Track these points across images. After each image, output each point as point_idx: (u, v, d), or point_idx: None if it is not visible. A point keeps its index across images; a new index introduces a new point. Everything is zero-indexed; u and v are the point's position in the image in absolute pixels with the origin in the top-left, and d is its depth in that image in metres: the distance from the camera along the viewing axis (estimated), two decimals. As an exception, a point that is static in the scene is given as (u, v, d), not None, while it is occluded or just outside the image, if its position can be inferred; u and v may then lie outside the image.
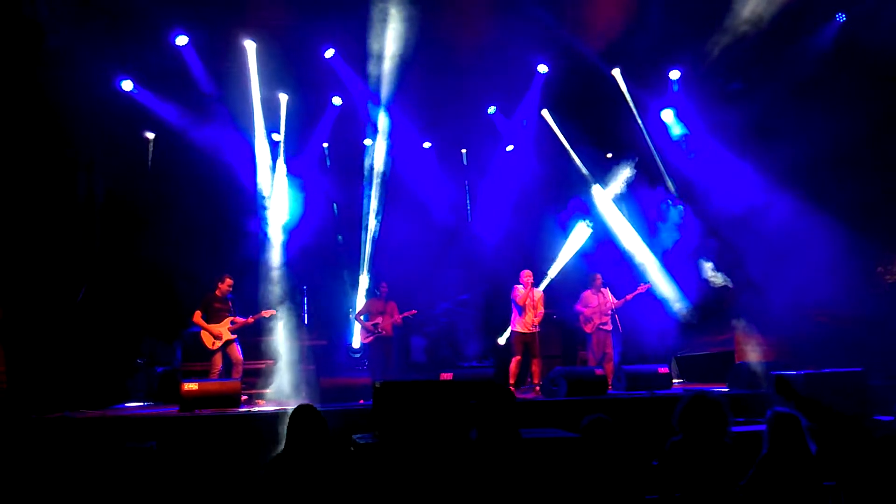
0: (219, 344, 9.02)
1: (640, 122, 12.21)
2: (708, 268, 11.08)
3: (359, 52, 10.68)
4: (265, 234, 11.71)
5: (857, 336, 8.97)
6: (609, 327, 10.13)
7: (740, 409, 7.22)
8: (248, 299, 10.30)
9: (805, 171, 10.21)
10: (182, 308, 10.19)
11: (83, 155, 9.83)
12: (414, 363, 11.70)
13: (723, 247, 11.15)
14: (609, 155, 13.05)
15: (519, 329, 9.51)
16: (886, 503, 3.40)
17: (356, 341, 11.52)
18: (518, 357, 9.47)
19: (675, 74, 11.71)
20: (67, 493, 5.37)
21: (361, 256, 12.52)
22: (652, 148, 12.25)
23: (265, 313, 9.56)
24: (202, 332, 9.03)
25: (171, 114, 10.88)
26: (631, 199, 12.59)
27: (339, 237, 12.98)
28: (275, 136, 11.93)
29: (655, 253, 11.92)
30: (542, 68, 11.66)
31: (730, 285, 10.84)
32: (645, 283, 10.69)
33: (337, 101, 12.01)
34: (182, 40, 10.09)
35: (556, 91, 11.96)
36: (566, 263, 12.15)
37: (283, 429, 4.15)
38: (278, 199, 11.86)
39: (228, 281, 9.26)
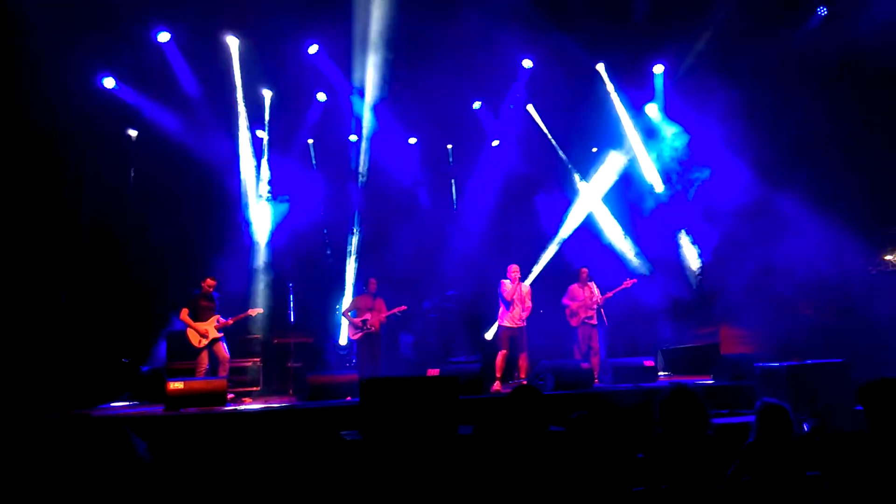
0: (205, 342, 8.97)
1: (624, 116, 12.30)
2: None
3: (343, 48, 10.66)
4: (251, 232, 11.69)
5: (840, 328, 9.07)
6: (595, 321, 10.17)
7: (725, 401, 7.28)
8: (235, 298, 10.27)
9: (790, 163, 10.30)
10: (167, 307, 10.14)
11: (67, 154, 9.74)
12: (401, 359, 11.69)
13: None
14: (594, 149, 13.11)
15: (506, 324, 9.53)
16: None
17: (343, 338, 11.51)
18: (504, 351, 9.48)
19: (658, 69, 11.78)
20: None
21: (348, 253, 12.50)
22: (638, 141, 12.36)
23: (252, 312, 9.53)
24: (188, 330, 8.98)
25: (154, 111, 10.80)
26: (616, 192, 12.72)
27: (325, 230, 12.92)
28: (259, 133, 11.89)
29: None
30: (527, 63, 11.69)
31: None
32: (631, 277, 10.74)
33: (321, 97, 11.97)
34: (164, 37, 10.01)
35: (541, 86, 11.98)
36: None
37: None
38: (263, 196, 11.84)
39: (210, 281, 9.22)
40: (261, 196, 11.71)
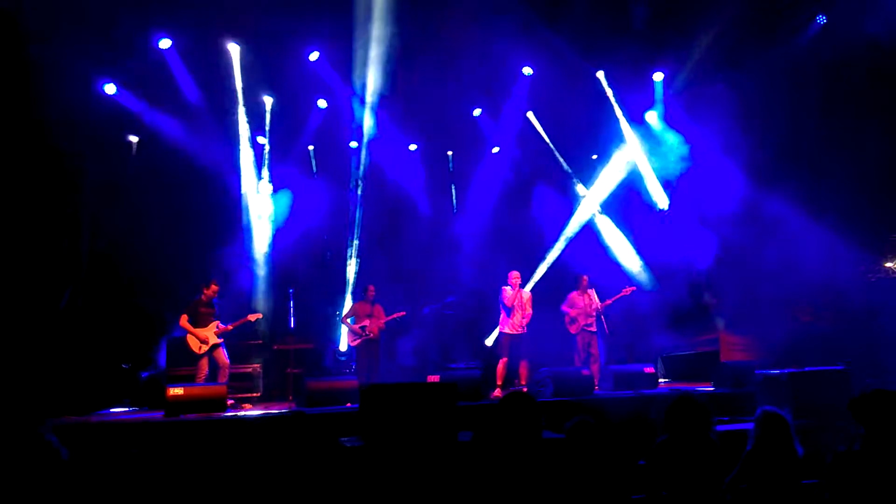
0: (205, 348, 8.96)
1: (624, 123, 12.34)
2: None
3: (344, 55, 10.68)
4: (251, 238, 11.69)
5: (841, 334, 9.06)
6: (594, 328, 10.14)
7: (725, 407, 7.27)
8: (235, 303, 10.26)
9: (788, 169, 10.31)
10: (167, 313, 10.13)
11: (68, 159, 9.76)
12: (401, 366, 11.67)
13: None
14: (594, 156, 13.12)
15: (507, 330, 9.52)
16: None
17: (343, 344, 11.49)
18: (505, 358, 9.47)
19: (658, 76, 11.81)
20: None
21: (348, 257, 12.50)
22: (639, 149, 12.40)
23: (251, 317, 9.52)
24: (188, 336, 8.97)
25: (154, 117, 10.82)
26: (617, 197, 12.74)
27: (325, 236, 12.91)
28: (260, 140, 11.90)
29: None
30: (527, 70, 11.71)
31: None
32: (631, 285, 10.74)
33: (322, 103, 11.99)
34: (165, 43, 10.04)
35: (541, 93, 12.01)
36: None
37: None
38: (264, 201, 11.85)
39: (214, 287, 9.21)
40: (260, 192, 11.71)
